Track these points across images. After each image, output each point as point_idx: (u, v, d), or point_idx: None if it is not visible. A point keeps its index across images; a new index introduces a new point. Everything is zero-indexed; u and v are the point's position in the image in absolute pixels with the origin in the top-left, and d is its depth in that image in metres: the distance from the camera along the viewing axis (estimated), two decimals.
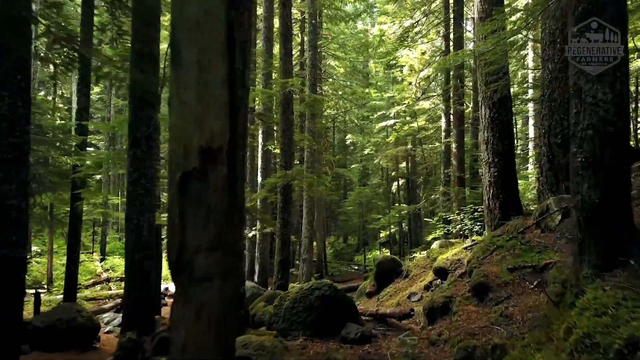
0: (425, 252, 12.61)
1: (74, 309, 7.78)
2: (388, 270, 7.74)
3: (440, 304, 4.68)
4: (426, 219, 17.11)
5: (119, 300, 12.58)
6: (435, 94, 19.16)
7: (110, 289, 15.71)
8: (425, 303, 4.90)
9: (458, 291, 4.84)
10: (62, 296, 10.24)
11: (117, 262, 21.54)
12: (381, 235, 31.45)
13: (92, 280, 16.78)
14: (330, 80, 23.24)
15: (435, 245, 12.28)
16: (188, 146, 2.46)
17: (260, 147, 14.98)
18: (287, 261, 10.75)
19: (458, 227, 12.73)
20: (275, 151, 14.88)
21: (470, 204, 13.54)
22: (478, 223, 12.56)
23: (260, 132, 15.01)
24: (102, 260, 21.96)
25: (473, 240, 6.51)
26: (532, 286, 3.84)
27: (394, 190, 30.29)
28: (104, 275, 17.94)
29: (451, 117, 16.51)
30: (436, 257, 7.32)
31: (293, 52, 25.03)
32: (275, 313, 4.45)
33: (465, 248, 6.22)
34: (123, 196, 29.52)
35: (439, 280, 5.93)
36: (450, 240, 12.71)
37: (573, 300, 2.27)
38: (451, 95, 16.10)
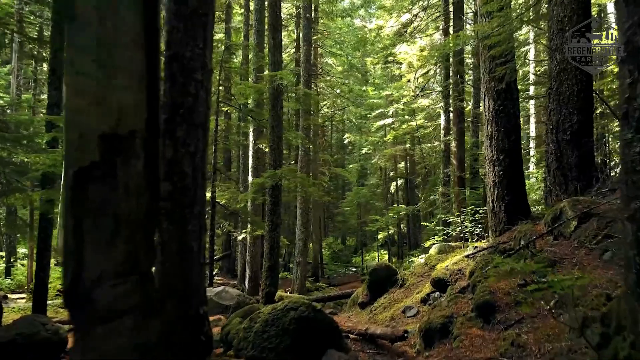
0: (423, 257, 11.95)
1: (38, 322, 7.09)
2: (382, 278, 7.09)
3: (439, 325, 4.00)
4: (424, 223, 16.39)
5: None
6: (434, 90, 18.53)
7: None
8: (422, 323, 4.23)
9: (459, 309, 4.16)
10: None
11: None
12: (379, 236, 30.80)
13: None
14: (327, 77, 22.58)
15: (433, 249, 11.61)
16: (85, 132, 1.77)
17: (251, 145, 14.31)
18: (276, 267, 10.09)
19: (458, 229, 12.08)
20: (267, 149, 14.22)
21: (471, 205, 12.90)
22: (479, 226, 11.92)
23: (251, 129, 14.35)
24: None
25: (475, 247, 5.84)
26: (548, 307, 3.19)
27: (392, 191, 29.64)
28: None
29: (451, 114, 15.87)
30: (434, 264, 6.67)
31: (288, 49, 24.39)
32: (244, 337, 3.78)
33: (467, 256, 5.55)
34: None
35: (438, 292, 5.26)
36: (450, 244, 12.05)
37: (629, 354, 1.64)
38: (451, 91, 15.45)
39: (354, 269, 30.96)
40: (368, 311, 6.62)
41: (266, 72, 14.40)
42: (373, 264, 7.38)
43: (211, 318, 8.88)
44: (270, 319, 3.65)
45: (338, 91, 24.24)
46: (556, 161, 7.69)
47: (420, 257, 12.80)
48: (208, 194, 12.73)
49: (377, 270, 7.12)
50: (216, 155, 12.13)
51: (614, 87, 11.06)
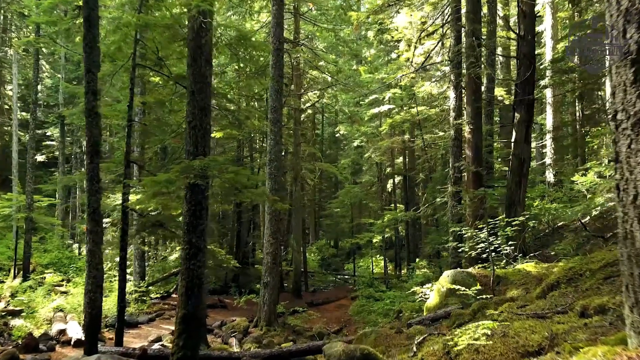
0: (430, 291, 8.18)
1: None
2: None
3: None
4: (428, 247, 12.52)
5: None
6: (440, 63, 14.66)
7: None
8: None
9: None
10: None
11: (52, 279, 17.00)
12: (374, 240, 27.11)
13: None
14: (306, 50, 18.63)
15: (444, 279, 7.88)
16: None
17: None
18: (196, 316, 6.29)
19: (480, 247, 8.32)
20: (214, 135, 10.36)
21: (495, 211, 9.17)
22: (509, 242, 8.21)
23: None
24: (25, 278, 17.25)
25: None
26: None
27: (389, 189, 25.83)
28: (1, 303, 13.43)
29: (463, 91, 12.09)
30: (458, 352, 2.96)
31: (265, 20, 20.47)
32: None
33: None
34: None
35: None
36: (468, 270, 8.31)
37: None
38: (464, 59, 11.62)
39: (346, 276, 27.35)
40: None
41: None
42: (337, 349, 3.50)
43: None
44: None
45: (330, 79, 20.38)
46: None
47: (425, 286, 9.06)
48: (119, 197, 8.94)
49: None
50: (129, 142, 8.30)
51: None
